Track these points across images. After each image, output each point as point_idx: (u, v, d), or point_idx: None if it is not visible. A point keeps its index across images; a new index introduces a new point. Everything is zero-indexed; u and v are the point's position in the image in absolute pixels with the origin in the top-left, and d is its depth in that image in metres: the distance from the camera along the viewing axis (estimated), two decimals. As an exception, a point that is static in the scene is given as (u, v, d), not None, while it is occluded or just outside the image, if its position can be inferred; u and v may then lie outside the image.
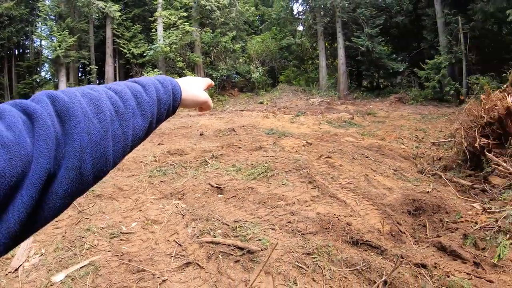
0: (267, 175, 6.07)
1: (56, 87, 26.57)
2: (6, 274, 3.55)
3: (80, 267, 3.56)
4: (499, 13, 18.04)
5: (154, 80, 0.90)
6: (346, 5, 24.71)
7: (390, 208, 4.92)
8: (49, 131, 0.58)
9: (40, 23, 29.45)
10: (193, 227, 4.25)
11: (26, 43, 33.41)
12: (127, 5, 29.02)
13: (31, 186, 0.53)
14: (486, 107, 6.71)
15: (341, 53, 25.14)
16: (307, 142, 8.88)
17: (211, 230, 4.15)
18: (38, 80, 30.56)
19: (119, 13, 26.03)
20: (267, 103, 22.41)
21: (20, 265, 3.66)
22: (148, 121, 0.81)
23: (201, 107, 1.12)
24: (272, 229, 4.26)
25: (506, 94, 6.78)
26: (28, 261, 3.75)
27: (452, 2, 21.53)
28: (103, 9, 25.08)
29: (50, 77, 32.96)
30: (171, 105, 0.92)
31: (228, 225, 4.28)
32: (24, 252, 3.89)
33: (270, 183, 5.75)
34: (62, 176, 0.59)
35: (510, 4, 16.63)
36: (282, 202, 4.99)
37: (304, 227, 4.26)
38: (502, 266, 3.59)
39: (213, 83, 1.22)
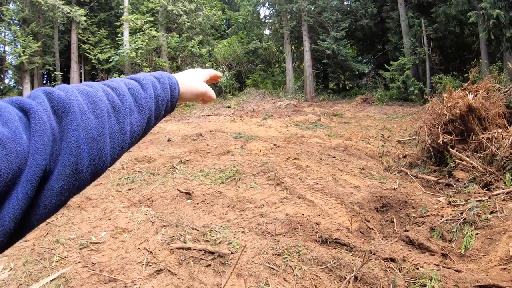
0: (235, 178, 6.08)
1: (20, 94, 25.72)
2: (-26, 291, 3.45)
3: (51, 280, 3.47)
4: (461, 16, 18.69)
5: (151, 76, 0.90)
6: (312, 9, 24.97)
7: (358, 206, 5.01)
8: (45, 127, 0.57)
9: (3, 28, 28.60)
10: (163, 234, 4.23)
11: (-11, 49, 32.42)
12: (92, 10, 28.44)
13: (26, 183, 0.52)
14: (448, 105, 6.95)
15: (307, 56, 25.40)
16: (274, 145, 8.94)
17: (181, 235, 4.13)
18: (1, 87, 29.64)
19: (84, 18, 25.46)
20: (234, 107, 22.37)
21: (-12, 281, 3.58)
22: (146, 117, 0.81)
23: (204, 99, 1.12)
24: (242, 232, 4.27)
25: (467, 92, 7.05)
26: (-4, 276, 3.67)
27: (415, 5, 22.23)
28: (69, 13, 24.48)
29: (14, 84, 31.95)
30: (169, 100, 0.92)
31: (198, 230, 4.26)
32: (-9, 267, 3.80)
33: (239, 187, 5.76)
34: (59, 173, 0.58)
35: (471, 6, 17.24)
36: (251, 205, 5.01)
37: (274, 228, 4.29)
38: (469, 256, 3.73)
39: (219, 74, 1.23)
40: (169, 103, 0.92)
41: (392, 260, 3.60)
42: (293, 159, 7.14)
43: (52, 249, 4.07)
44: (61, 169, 0.59)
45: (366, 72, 26.91)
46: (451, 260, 3.71)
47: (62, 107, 0.63)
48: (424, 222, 4.56)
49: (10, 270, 3.75)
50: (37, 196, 0.56)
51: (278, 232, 4.23)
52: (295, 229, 4.29)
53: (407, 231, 4.39)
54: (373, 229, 4.50)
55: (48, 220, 4.83)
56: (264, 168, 6.53)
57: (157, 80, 0.90)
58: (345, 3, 27.26)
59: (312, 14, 25.16)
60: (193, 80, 1.07)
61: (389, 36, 25.38)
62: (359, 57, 29.30)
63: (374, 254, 3.70)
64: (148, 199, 5.48)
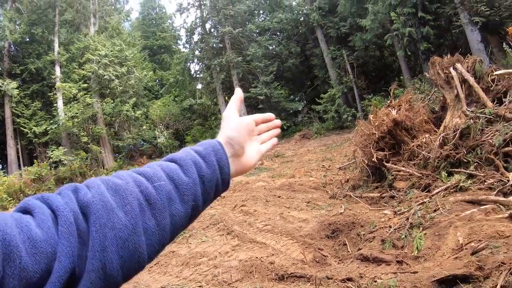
0: (186, 236, 6.04)
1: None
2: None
3: None
4: (378, 40, 20.00)
5: (194, 153, 0.78)
6: (240, 60, 25.67)
7: (309, 237, 5.08)
8: (72, 228, 0.55)
9: None
10: (119, 303, 4.07)
11: None
12: (24, 81, 26.84)
13: (52, 285, 0.50)
14: (376, 124, 7.29)
15: (241, 105, 25.65)
16: (219, 196, 8.91)
17: (139, 301, 4.01)
18: None
19: (17, 91, 23.98)
20: (175, 166, 22.08)
21: None
22: (190, 205, 0.71)
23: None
24: (200, 286, 4.20)
25: (390, 109, 7.45)
26: None
27: (335, 39, 23.66)
28: (0, 87, 23.53)
29: None
30: (219, 179, 0.80)
31: (155, 293, 4.16)
32: None
33: (190, 243, 5.72)
34: (85, 278, 0.54)
35: (385, 29, 18.67)
36: (205, 258, 4.97)
37: (229, 276, 4.25)
38: (423, 256, 3.86)
39: (271, 116, 1.11)
40: (219, 182, 0.80)
41: (349, 279, 3.64)
42: (240, 207, 7.19)
43: None
44: (87, 275, 0.54)
45: (300, 109, 27.80)
46: (407, 264, 3.80)
47: (86, 206, 0.59)
48: (374, 237, 4.67)
49: None
50: None
51: (234, 279, 4.19)
52: (250, 272, 4.26)
53: (361, 249, 4.48)
54: (327, 256, 4.55)
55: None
56: (212, 220, 6.55)
57: (202, 158, 0.78)
58: (270, 48, 28.01)
59: (240, 65, 25.84)
60: (243, 147, 0.91)
61: (315, 72, 26.51)
62: (291, 96, 30.06)
63: (330, 278, 3.72)
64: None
